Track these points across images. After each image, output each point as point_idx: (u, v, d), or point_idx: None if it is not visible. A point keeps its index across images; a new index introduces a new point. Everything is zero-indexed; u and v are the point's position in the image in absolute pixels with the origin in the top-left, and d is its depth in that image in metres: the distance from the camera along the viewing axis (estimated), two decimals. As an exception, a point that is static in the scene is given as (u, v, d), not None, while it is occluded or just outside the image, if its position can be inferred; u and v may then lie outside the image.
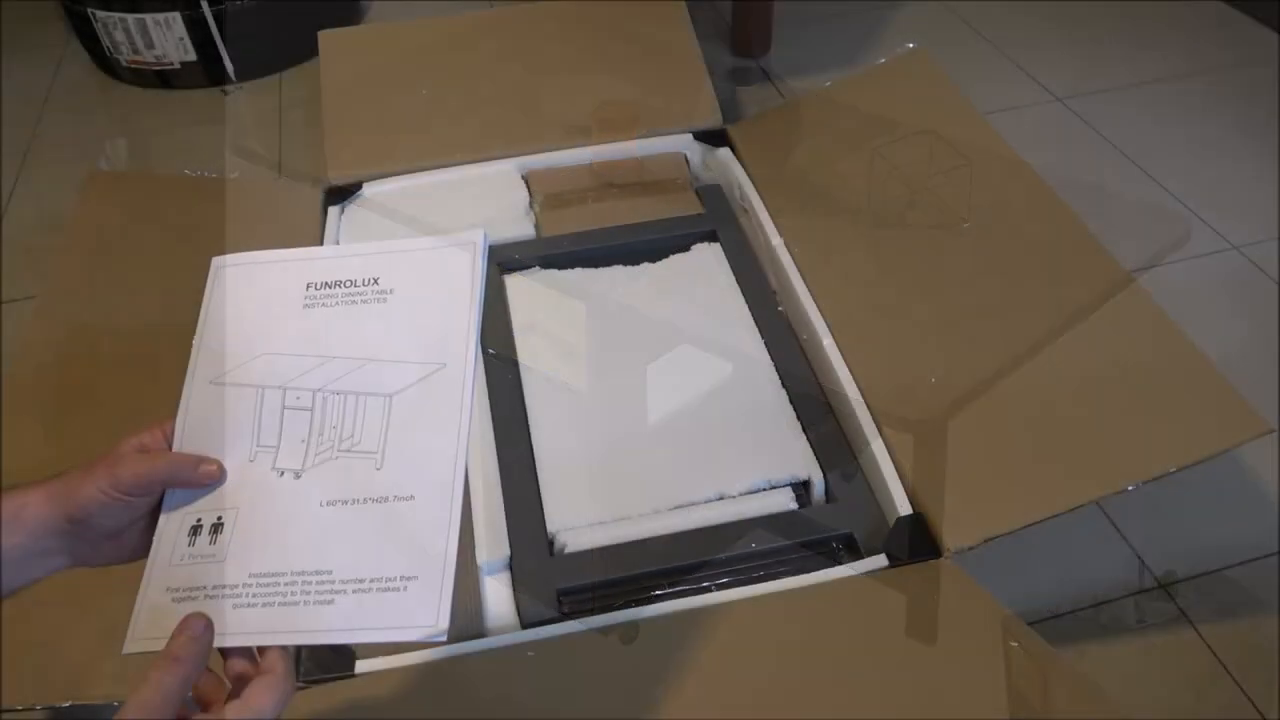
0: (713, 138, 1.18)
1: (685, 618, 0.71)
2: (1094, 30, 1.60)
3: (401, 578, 0.46)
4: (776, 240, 1.02)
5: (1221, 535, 0.89)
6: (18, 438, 0.82)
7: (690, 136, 1.19)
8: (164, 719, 0.39)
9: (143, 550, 0.48)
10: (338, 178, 1.14)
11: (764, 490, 0.82)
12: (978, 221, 0.97)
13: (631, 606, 0.73)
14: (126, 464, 0.46)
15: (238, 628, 0.46)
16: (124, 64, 1.57)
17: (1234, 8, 1.63)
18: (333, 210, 1.11)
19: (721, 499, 0.81)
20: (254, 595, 0.46)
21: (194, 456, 0.48)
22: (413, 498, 0.48)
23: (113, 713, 0.76)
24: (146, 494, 0.47)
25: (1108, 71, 1.50)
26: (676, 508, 0.80)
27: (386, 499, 0.48)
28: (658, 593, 0.75)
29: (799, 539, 0.78)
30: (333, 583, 0.46)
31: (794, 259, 1.00)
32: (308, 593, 0.46)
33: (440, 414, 0.49)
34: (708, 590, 0.75)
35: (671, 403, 0.89)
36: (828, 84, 1.20)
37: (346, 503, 0.48)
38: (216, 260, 0.54)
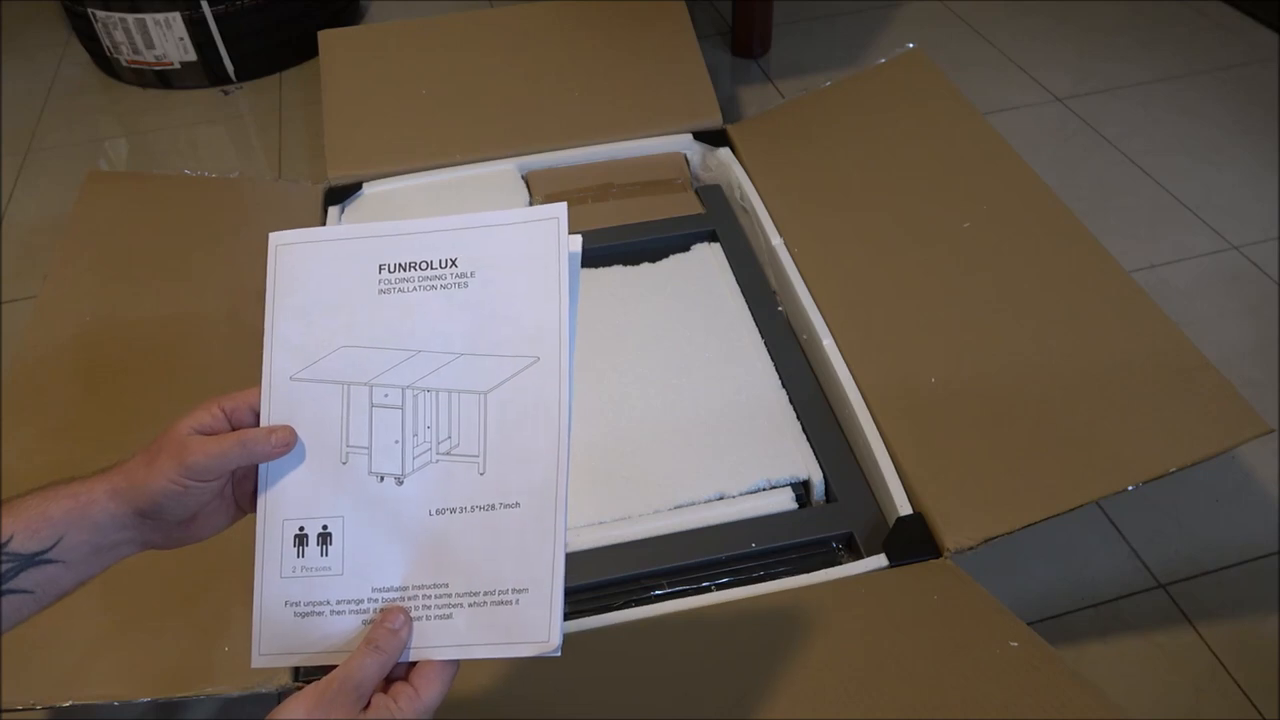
0: (713, 138, 1.18)
1: (685, 618, 0.71)
2: (1094, 30, 1.60)
3: (513, 590, 0.45)
4: (776, 240, 1.02)
5: (1221, 535, 0.89)
6: (18, 438, 0.82)
7: (690, 136, 1.19)
8: (359, 696, 0.42)
9: (213, 530, 0.47)
10: (338, 178, 1.15)
11: (764, 490, 0.82)
12: (977, 221, 0.97)
13: (631, 606, 0.73)
14: (195, 449, 0.44)
15: None
16: (124, 64, 1.57)
17: (1234, 8, 1.63)
18: (333, 210, 1.12)
19: (721, 499, 0.81)
20: (381, 611, 0.45)
21: (264, 428, 0.46)
22: (518, 504, 0.46)
23: (113, 713, 0.77)
24: (220, 477, 0.45)
25: (1108, 71, 1.50)
26: (676, 508, 0.80)
27: (493, 506, 0.46)
28: (658, 593, 0.75)
29: (799, 539, 0.78)
30: (449, 596, 0.45)
31: (794, 259, 1.00)
32: (428, 608, 0.45)
33: (538, 413, 0.46)
34: (708, 590, 0.75)
35: (671, 403, 0.89)
36: (828, 84, 1.20)
37: (455, 511, 0.46)
38: (274, 237, 0.50)
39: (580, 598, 0.75)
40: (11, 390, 0.86)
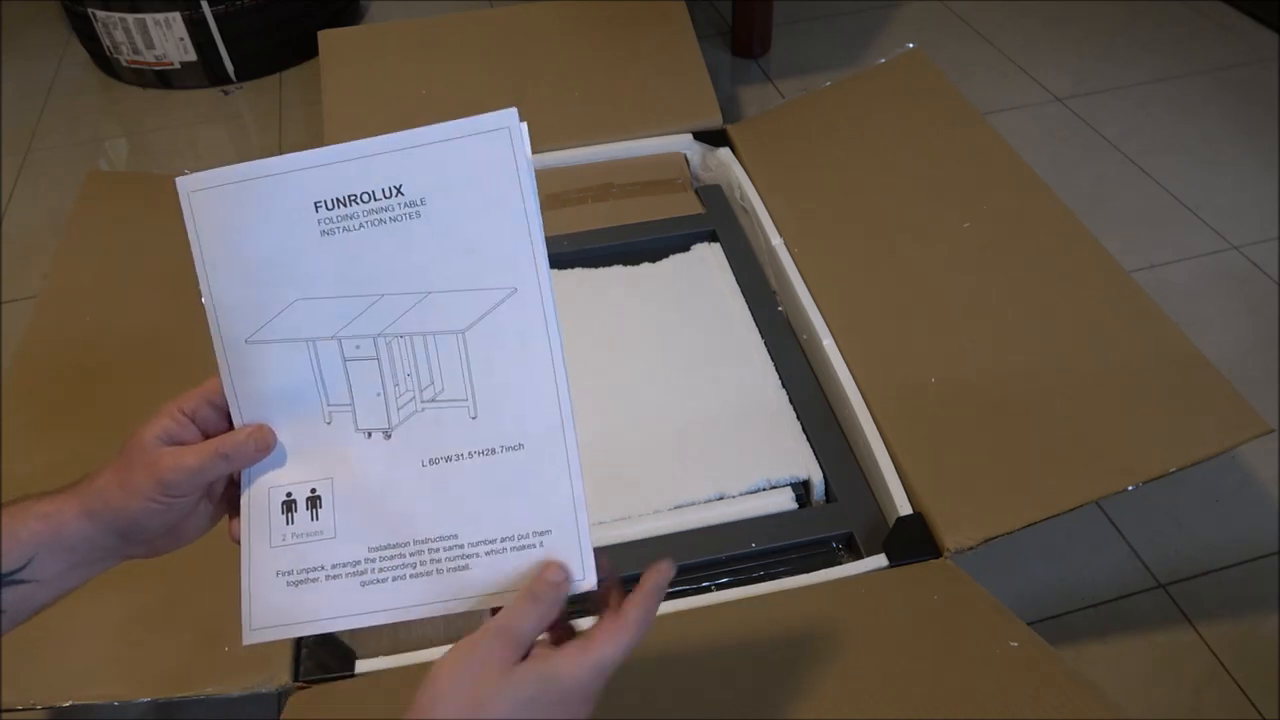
0: (713, 138, 1.18)
1: (685, 618, 0.71)
2: (1093, 30, 1.60)
3: (534, 533, 0.43)
4: (776, 240, 1.02)
5: (1221, 535, 0.89)
6: (18, 438, 0.82)
7: (690, 136, 1.19)
8: (519, 649, 0.39)
9: (196, 534, 0.46)
10: (338, 178, 1.14)
11: (764, 490, 0.82)
12: (977, 221, 0.97)
13: (631, 606, 0.73)
14: (170, 464, 0.41)
15: (375, 605, 0.44)
16: (124, 64, 1.57)
17: (1234, 8, 1.63)
18: (333, 210, 1.12)
19: (721, 499, 0.81)
20: (381, 570, 0.44)
21: (242, 432, 0.44)
22: (521, 446, 0.43)
23: (113, 713, 0.77)
24: (200, 490, 0.43)
25: (1108, 71, 1.50)
26: (676, 508, 0.80)
27: (494, 450, 0.44)
28: (658, 593, 0.75)
29: (799, 539, 0.78)
30: (461, 547, 0.43)
31: (794, 259, 1.00)
32: (438, 560, 0.43)
33: (525, 347, 0.43)
34: (708, 590, 0.75)
35: (671, 403, 0.89)
36: (828, 84, 1.20)
37: (450, 459, 0.44)
38: (183, 183, 0.45)
39: (580, 597, 0.75)
40: (11, 390, 0.86)
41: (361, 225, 0.44)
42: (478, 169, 0.43)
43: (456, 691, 0.38)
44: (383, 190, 0.43)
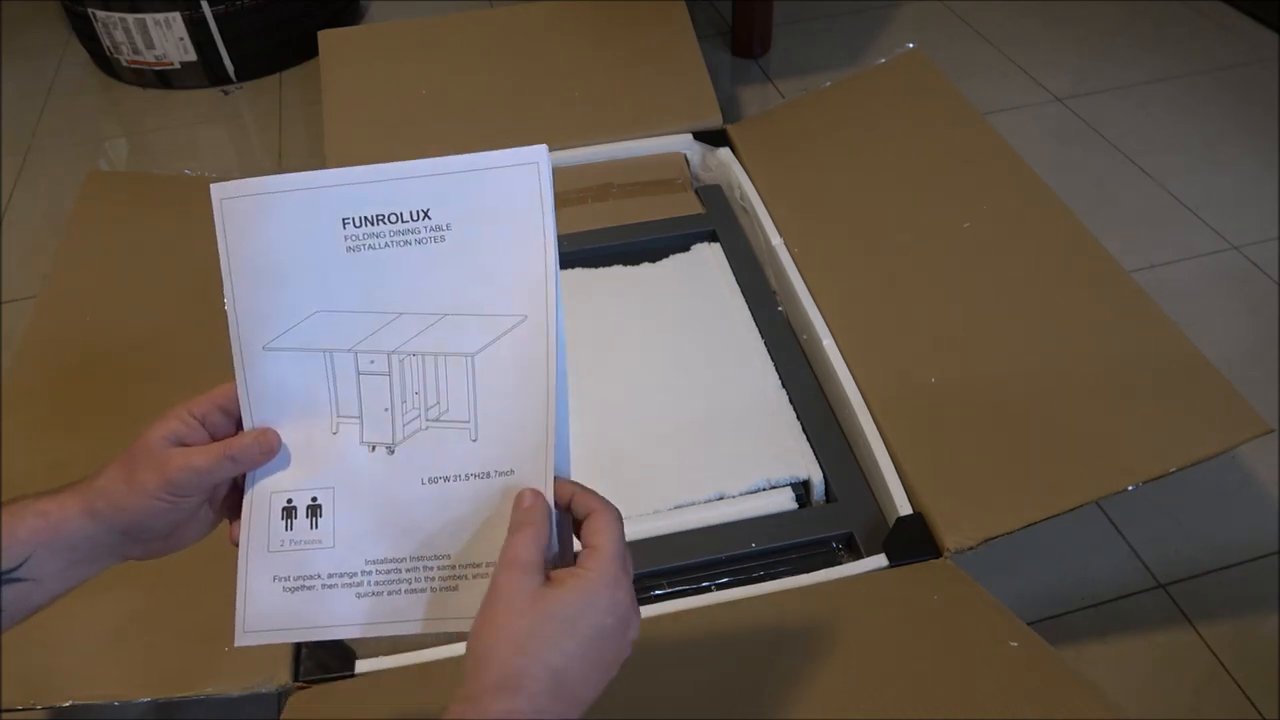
0: (713, 138, 1.18)
1: (685, 618, 0.71)
2: (1094, 30, 1.60)
3: None
4: (776, 240, 1.02)
5: (1221, 535, 0.89)
6: (18, 438, 0.82)
7: (690, 136, 1.19)
8: (536, 574, 0.39)
9: (194, 538, 0.46)
10: (338, 178, 1.14)
11: (764, 490, 0.82)
12: (977, 221, 0.97)
13: (631, 606, 0.73)
14: (179, 464, 0.42)
15: (367, 617, 0.44)
16: (124, 64, 1.57)
17: (1234, 8, 1.63)
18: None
19: (721, 499, 0.81)
20: (376, 584, 0.44)
21: (249, 435, 0.45)
22: (512, 471, 0.44)
23: (113, 713, 0.77)
24: (205, 491, 0.44)
25: (1108, 71, 1.50)
26: (676, 508, 0.80)
27: (487, 474, 0.44)
28: (658, 593, 0.75)
29: (799, 539, 0.78)
30: (453, 568, 0.44)
31: (794, 259, 1.00)
32: (430, 579, 0.44)
33: (526, 374, 0.44)
34: (708, 590, 0.75)
35: (671, 403, 0.89)
36: (828, 84, 1.20)
37: (449, 479, 0.44)
38: (217, 189, 0.45)
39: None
40: (11, 390, 0.86)
41: (387, 245, 0.45)
42: (504, 200, 0.44)
43: (497, 643, 0.38)
44: (410, 213, 0.45)
